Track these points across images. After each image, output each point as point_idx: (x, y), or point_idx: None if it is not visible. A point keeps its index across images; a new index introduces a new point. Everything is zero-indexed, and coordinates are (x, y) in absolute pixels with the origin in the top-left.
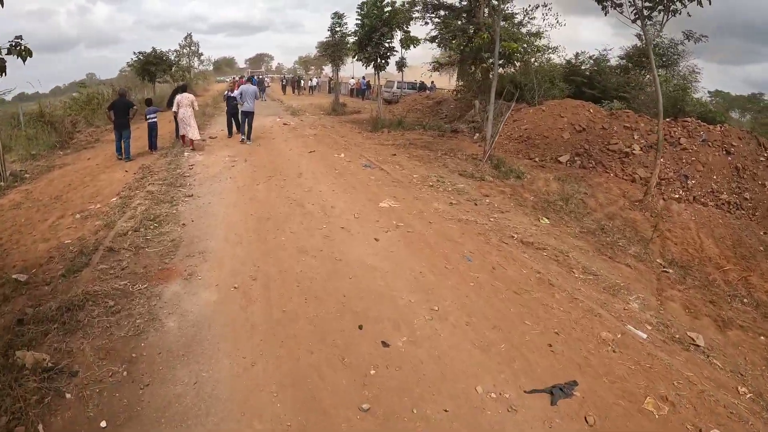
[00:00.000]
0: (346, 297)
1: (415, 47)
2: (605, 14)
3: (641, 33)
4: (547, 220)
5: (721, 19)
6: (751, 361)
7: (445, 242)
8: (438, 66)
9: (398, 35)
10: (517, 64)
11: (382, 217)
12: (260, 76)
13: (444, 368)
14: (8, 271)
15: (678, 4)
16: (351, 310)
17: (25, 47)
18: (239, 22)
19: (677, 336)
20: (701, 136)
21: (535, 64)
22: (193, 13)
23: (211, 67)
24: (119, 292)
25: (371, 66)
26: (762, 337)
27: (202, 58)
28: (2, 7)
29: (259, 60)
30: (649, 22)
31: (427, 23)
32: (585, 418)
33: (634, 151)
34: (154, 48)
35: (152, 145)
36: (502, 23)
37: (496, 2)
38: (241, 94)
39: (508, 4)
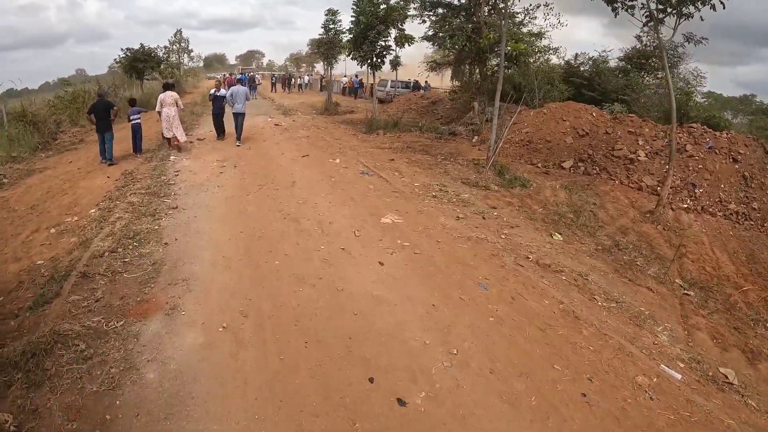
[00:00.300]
0: (352, 339)
1: (409, 46)
2: (615, 16)
3: (641, 36)
4: (559, 237)
5: (714, 21)
6: None
7: (457, 266)
8: (435, 65)
9: (393, 33)
10: (532, 65)
11: (385, 235)
12: (250, 74)
13: None
14: None
15: (691, 7)
16: (359, 356)
17: None
18: (230, 18)
19: (710, 373)
20: (708, 142)
21: (535, 65)
22: (183, 9)
23: (202, 64)
24: (92, 332)
25: (366, 65)
26: None
27: (192, 54)
28: None
29: (250, 57)
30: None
31: (424, 21)
32: None
33: (639, 158)
34: (142, 44)
35: (136, 148)
36: (502, 22)
37: (500, 1)
38: (231, 94)
39: (510, 3)
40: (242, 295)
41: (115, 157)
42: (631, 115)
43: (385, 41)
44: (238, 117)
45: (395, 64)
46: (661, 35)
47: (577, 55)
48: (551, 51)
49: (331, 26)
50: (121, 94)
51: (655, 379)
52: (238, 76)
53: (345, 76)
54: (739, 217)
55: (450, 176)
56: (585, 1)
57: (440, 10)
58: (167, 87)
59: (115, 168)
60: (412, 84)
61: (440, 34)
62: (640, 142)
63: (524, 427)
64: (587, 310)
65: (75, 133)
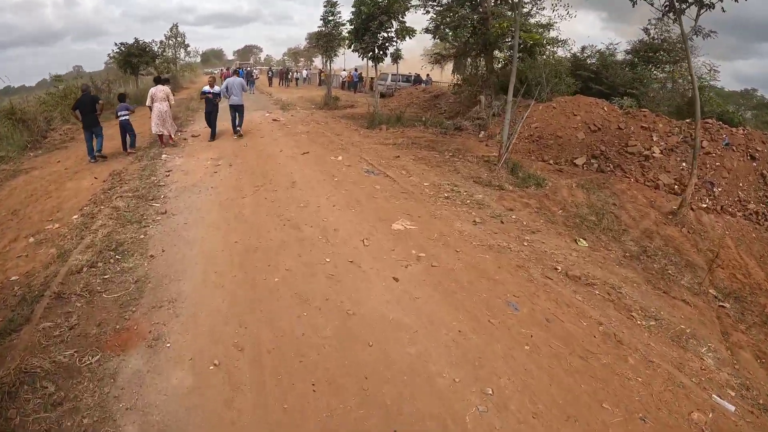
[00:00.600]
0: (369, 379)
1: (410, 38)
2: (633, 5)
3: (649, 28)
4: (584, 243)
5: (713, 17)
6: None
7: (481, 281)
8: (440, 58)
9: (395, 25)
10: (539, 58)
11: (397, 243)
12: (248, 68)
13: None
14: None
15: None
16: (377, 401)
17: None
18: (227, 13)
19: (761, 401)
20: (724, 139)
21: (542, 57)
22: (180, 5)
23: (199, 59)
24: (63, 370)
25: (368, 57)
26: None
27: (188, 49)
28: None
29: (247, 52)
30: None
31: (428, 11)
32: None
33: (654, 154)
34: (136, 39)
35: (127, 145)
36: (509, 13)
37: None
38: (227, 87)
39: None
40: (237, 321)
41: (105, 154)
42: (643, 110)
43: (387, 33)
44: (236, 109)
45: (396, 57)
46: (676, 25)
47: (584, 47)
48: (560, 43)
49: (330, 18)
50: (115, 90)
51: (710, 415)
52: (233, 69)
53: (344, 70)
54: (759, 218)
55: (461, 174)
56: None
57: (445, 0)
58: (158, 81)
59: (104, 167)
60: (413, 78)
61: (441, 26)
62: (654, 138)
63: None
64: (628, 332)
65: (66, 130)
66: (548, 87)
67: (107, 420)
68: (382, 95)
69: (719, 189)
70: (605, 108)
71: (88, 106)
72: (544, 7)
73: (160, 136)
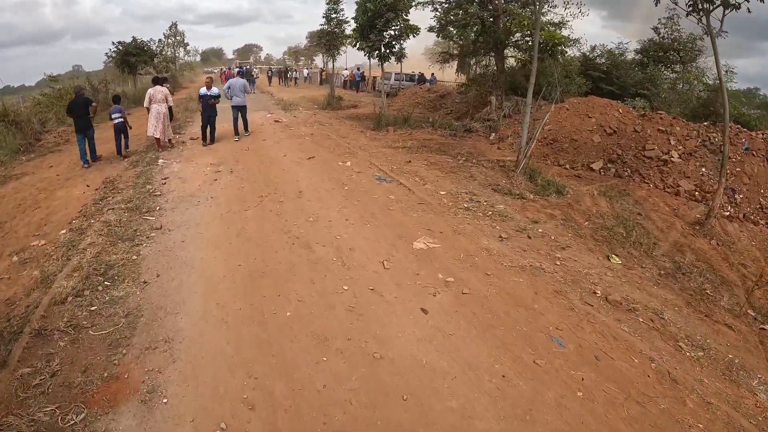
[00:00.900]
0: None
1: (414, 37)
2: (656, 4)
3: (659, 28)
4: (617, 260)
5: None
6: None
7: (518, 311)
8: (449, 57)
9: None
10: (560, 58)
11: (421, 266)
12: (248, 67)
13: None
14: None
15: None
16: None
17: None
18: (227, 12)
19: None
20: (743, 143)
21: (562, 57)
22: (180, 4)
23: (199, 58)
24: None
25: (374, 56)
26: None
27: (188, 48)
28: None
29: (247, 51)
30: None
31: (436, 9)
32: None
33: (672, 159)
34: (134, 37)
35: (120, 150)
36: (519, 11)
37: None
38: (229, 87)
39: None
40: (245, 369)
41: (100, 158)
42: (660, 112)
43: (394, 30)
44: (240, 110)
45: (400, 56)
46: (699, 25)
47: (594, 47)
48: (572, 42)
49: (333, 16)
50: (112, 90)
51: None
52: (236, 70)
53: (346, 69)
54: None
55: (477, 182)
56: None
57: None
58: (157, 81)
59: (97, 174)
60: (417, 77)
61: (445, 24)
62: (672, 142)
63: None
64: (680, 368)
65: (61, 132)
66: (560, 87)
67: None
68: (386, 95)
69: (741, 196)
70: (620, 110)
71: (81, 109)
72: (556, 5)
73: (158, 140)
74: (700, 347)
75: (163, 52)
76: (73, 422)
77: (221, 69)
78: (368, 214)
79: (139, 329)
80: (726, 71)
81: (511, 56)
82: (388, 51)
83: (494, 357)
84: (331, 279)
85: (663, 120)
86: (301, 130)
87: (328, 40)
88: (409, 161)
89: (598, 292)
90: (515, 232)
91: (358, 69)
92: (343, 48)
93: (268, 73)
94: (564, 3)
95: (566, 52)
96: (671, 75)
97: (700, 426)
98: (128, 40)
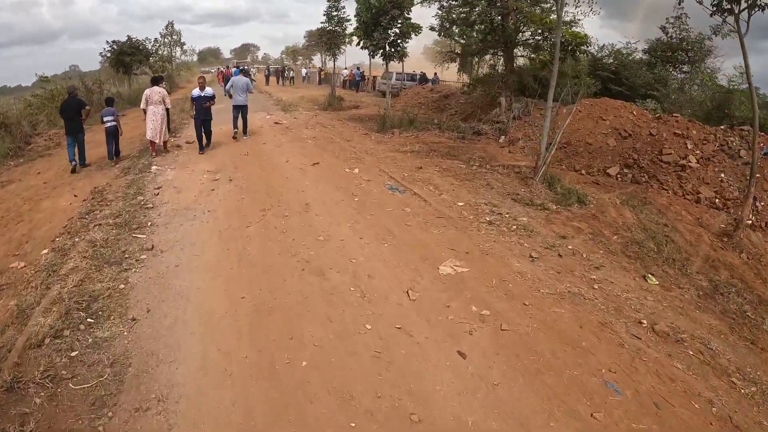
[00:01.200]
0: None
1: (416, 36)
2: (679, 3)
3: (667, 27)
4: (654, 280)
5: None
6: None
7: (565, 350)
8: (455, 56)
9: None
10: (582, 57)
11: (451, 296)
12: (245, 67)
13: None
14: None
15: None
16: None
17: None
18: (224, 12)
19: None
20: (762, 148)
21: (584, 56)
22: (178, 4)
23: (196, 58)
24: None
25: (379, 55)
26: None
27: (185, 47)
28: None
29: (245, 50)
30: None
31: (442, 6)
32: None
33: (690, 164)
34: (129, 36)
35: (111, 155)
36: (530, 8)
37: None
38: (231, 85)
39: None
40: None
41: (89, 165)
42: (675, 115)
43: (399, 28)
44: (240, 110)
45: (402, 55)
46: (723, 25)
47: (603, 46)
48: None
49: (334, 13)
50: (107, 91)
51: None
52: (234, 70)
53: (345, 69)
54: None
55: (495, 191)
56: None
57: None
58: (155, 81)
59: (86, 182)
60: (418, 76)
61: (452, 23)
62: (689, 146)
63: None
64: (739, 409)
65: (52, 135)
66: (574, 89)
67: None
68: (384, 94)
69: (762, 203)
70: (634, 112)
71: (72, 111)
72: (567, 2)
73: (153, 143)
74: (752, 381)
75: (159, 52)
76: None
77: (218, 69)
78: (384, 231)
79: (128, 383)
80: (741, 73)
81: (521, 56)
82: (393, 50)
83: (548, 412)
84: (350, 315)
85: (679, 123)
86: (302, 133)
87: (329, 38)
88: (420, 167)
89: (644, 321)
90: (545, 250)
91: (358, 68)
92: (343, 47)
93: (265, 72)
94: (575, 1)
95: (589, 52)
96: (679, 75)
97: None
98: (124, 39)
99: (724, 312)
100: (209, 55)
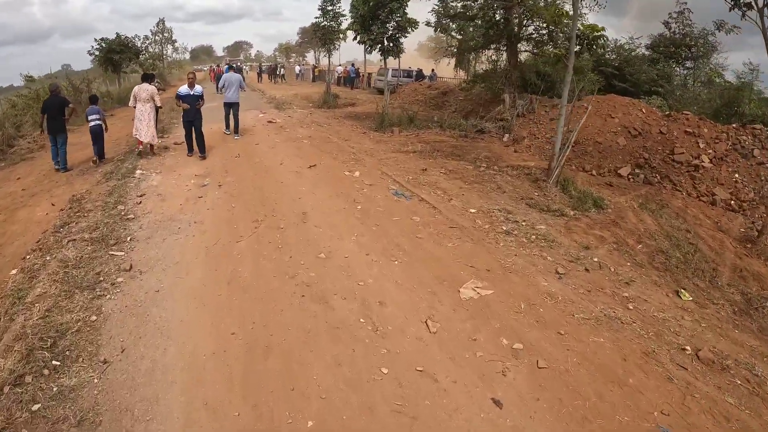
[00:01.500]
0: None
1: (412, 31)
2: None
3: (670, 22)
4: (687, 296)
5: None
6: None
7: (611, 390)
8: (455, 52)
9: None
10: (601, 52)
11: (477, 326)
12: (237, 64)
13: None
14: None
15: None
16: None
17: None
18: (217, 10)
19: None
20: None
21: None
22: (170, 2)
23: (188, 56)
24: None
25: (376, 50)
26: None
27: (176, 45)
28: None
29: (237, 48)
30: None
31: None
32: None
33: (703, 164)
34: (118, 34)
35: (96, 155)
36: (531, 1)
37: None
38: (224, 82)
39: None
40: None
41: (73, 166)
42: (685, 112)
43: (398, 22)
44: (231, 107)
45: (399, 50)
46: (743, 21)
47: (606, 40)
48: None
49: (329, 8)
50: (95, 89)
51: None
52: (226, 67)
53: (339, 65)
54: None
55: (507, 195)
56: None
57: None
58: (146, 79)
59: (65, 188)
60: (415, 73)
61: (452, 16)
62: (701, 145)
63: None
64: None
65: (36, 137)
66: (580, 85)
67: None
68: (381, 91)
69: None
70: (643, 109)
71: (55, 109)
72: None
73: (140, 141)
74: None
75: (150, 49)
76: None
77: (210, 66)
78: (393, 246)
79: None
80: (753, 69)
81: (525, 50)
82: (391, 45)
83: None
84: (362, 355)
85: (689, 121)
86: (297, 132)
87: (323, 34)
88: (425, 169)
89: (687, 347)
90: (570, 264)
91: (353, 65)
92: (338, 43)
93: (258, 70)
94: None
95: (606, 46)
96: (682, 72)
97: None
98: (112, 36)
99: (761, 330)
100: (202, 53)
